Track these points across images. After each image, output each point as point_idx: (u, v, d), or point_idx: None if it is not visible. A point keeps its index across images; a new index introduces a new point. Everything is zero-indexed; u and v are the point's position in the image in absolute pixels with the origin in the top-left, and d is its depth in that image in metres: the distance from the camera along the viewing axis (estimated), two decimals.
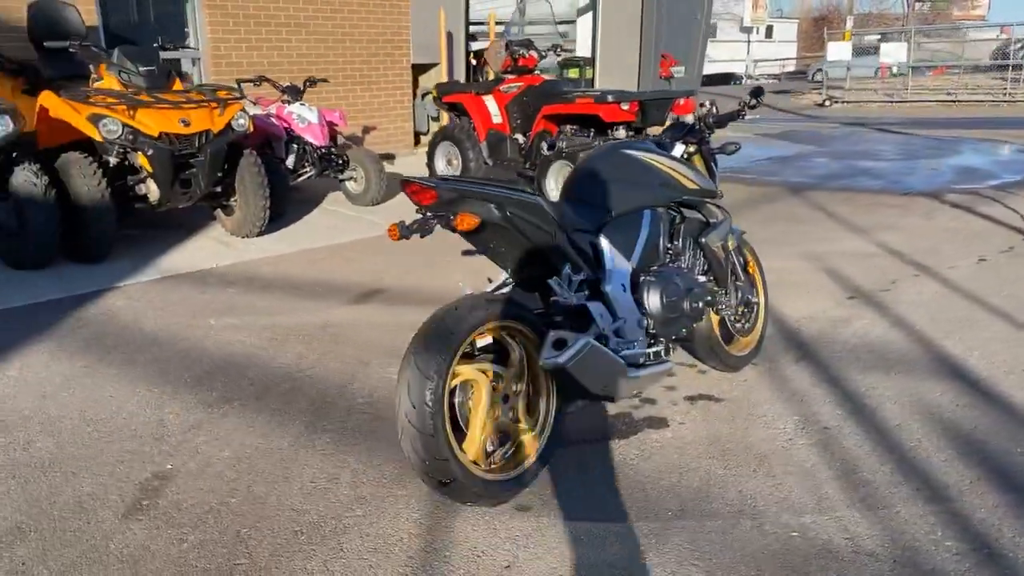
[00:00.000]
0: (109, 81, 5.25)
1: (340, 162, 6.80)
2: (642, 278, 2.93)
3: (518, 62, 7.41)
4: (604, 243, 2.83)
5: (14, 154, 4.82)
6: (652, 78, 13.13)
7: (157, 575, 2.18)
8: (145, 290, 4.66)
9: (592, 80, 13.63)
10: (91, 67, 5.51)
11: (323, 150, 6.64)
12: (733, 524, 2.43)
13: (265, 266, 5.23)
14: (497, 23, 11.95)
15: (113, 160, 5.15)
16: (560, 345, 2.54)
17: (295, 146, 6.60)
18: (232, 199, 5.74)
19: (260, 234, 5.81)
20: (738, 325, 3.60)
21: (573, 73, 13.98)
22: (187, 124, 5.11)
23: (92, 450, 2.83)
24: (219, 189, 5.63)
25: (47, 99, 5.06)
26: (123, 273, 4.93)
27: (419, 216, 2.44)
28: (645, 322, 2.89)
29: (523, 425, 2.62)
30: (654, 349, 2.94)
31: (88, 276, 4.86)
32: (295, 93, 6.74)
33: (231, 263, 5.25)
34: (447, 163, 7.60)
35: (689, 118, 3.48)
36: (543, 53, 7.69)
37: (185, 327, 4.05)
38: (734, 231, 3.59)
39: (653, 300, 2.91)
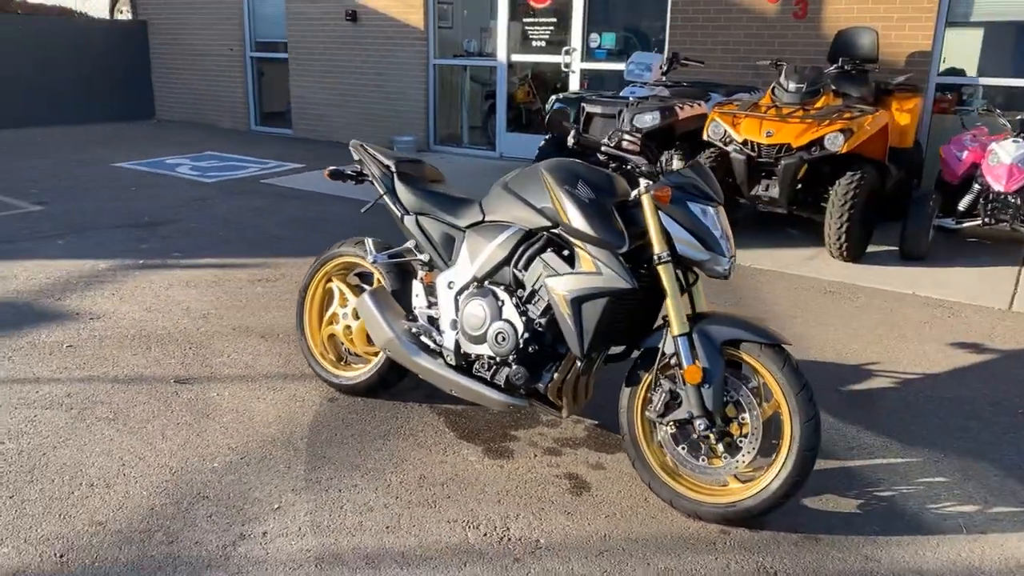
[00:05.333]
0: (766, 94, 6.13)
1: None
2: (467, 287, 2.95)
3: None
4: (465, 242, 3.02)
5: (676, 141, 6.46)
6: None
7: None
8: None
9: None
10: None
11: (1002, 196, 5.49)
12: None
13: (779, 282, 5.37)
14: None
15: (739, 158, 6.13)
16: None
17: (976, 186, 5.68)
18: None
19: (845, 257, 5.67)
20: (681, 449, 2.65)
21: None
22: (770, 135, 5.61)
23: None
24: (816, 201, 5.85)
25: (716, 107, 6.37)
26: None
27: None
28: (459, 326, 2.96)
29: (357, 349, 3.38)
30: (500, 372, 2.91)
31: None
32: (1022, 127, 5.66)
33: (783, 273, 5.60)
34: None
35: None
36: None
37: None
38: (752, 329, 2.55)
39: (459, 310, 2.93)
